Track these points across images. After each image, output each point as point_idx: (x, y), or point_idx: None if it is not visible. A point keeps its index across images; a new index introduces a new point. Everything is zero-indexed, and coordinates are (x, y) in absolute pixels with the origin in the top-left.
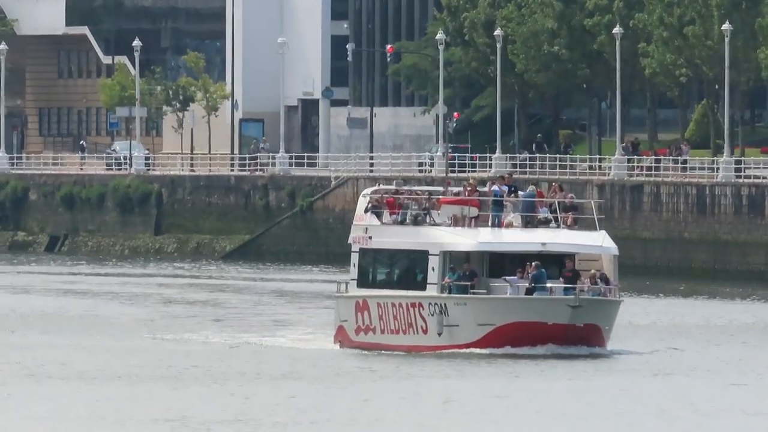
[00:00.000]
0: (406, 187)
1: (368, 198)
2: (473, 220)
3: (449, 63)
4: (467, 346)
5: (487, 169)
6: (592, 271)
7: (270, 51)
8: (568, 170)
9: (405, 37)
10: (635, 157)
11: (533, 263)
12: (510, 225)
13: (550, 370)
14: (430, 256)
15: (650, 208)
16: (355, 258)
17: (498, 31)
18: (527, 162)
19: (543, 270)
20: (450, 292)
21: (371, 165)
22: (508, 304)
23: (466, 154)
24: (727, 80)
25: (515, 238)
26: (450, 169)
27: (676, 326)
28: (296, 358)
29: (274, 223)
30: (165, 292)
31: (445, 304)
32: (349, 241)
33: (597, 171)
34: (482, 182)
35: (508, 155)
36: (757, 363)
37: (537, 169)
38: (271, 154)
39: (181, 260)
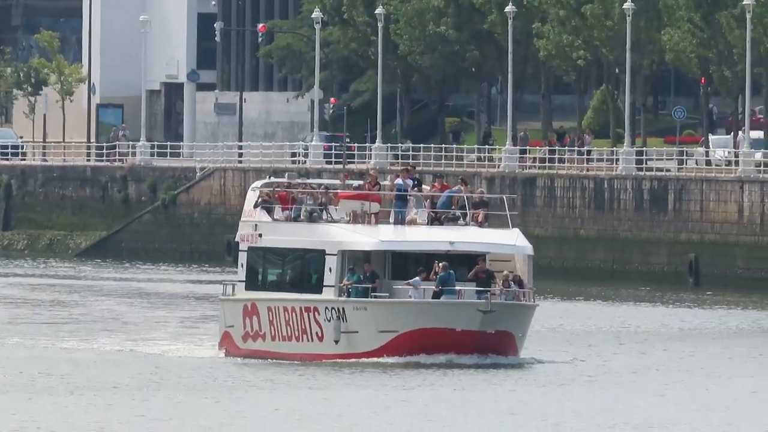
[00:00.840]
0: (300, 180)
1: (258, 192)
2: (374, 216)
3: (326, 44)
4: (367, 354)
5: (366, 160)
6: (505, 273)
7: (131, 30)
8: (454, 161)
9: (278, 15)
10: (566, 148)
11: (440, 264)
12: (414, 222)
13: (438, 380)
14: (326, 256)
15: (543, 203)
16: (242, 258)
17: (380, 9)
18: (410, 153)
19: (451, 271)
20: (348, 296)
21: (240, 155)
22: (413, 309)
23: (344, 144)
24: (629, 64)
25: (421, 236)
26: (326, 160)
27: (576, 332)
28: (165, 366)
29: (133, 218)
30: (15, 293)
31: (343, 309)
32: (236, 239)
33: (486, 162)
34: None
35: (389, 145)
36: (668, 369)
37: (421, 161)
38: (131, 142)
39: (32, 258)
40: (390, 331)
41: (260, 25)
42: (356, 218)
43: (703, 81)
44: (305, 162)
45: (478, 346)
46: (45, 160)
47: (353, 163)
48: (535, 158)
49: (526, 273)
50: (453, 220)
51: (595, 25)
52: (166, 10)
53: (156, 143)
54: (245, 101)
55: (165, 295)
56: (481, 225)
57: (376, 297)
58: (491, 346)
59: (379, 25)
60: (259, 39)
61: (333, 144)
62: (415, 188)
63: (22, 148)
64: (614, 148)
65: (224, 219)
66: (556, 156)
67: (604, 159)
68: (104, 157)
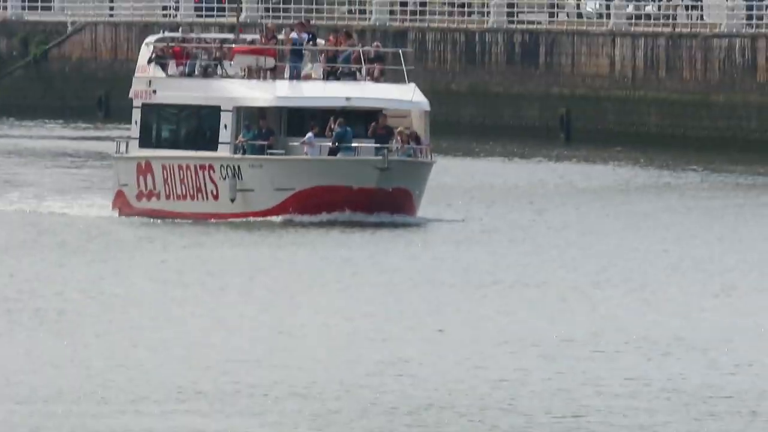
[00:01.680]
0: (194, 35)
1: (152, 47)
2: (270, 71)
3: None
4: (263, 213)
5: (238, 13)
6: (399, 129)
7: None
8: (325, 15)
9: None
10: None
11: (337, 120)
12: (309, 77)
13: (320, 239)
14: (222, 113)
15: (414, 57)
16: (136, 114)
17: None
18: (280, 6)
19: (348, 128)
20: (244, 153)
21: (111, 9)
22: (309, 167)
23: None
24: None
25: (317, 92)
26: (197, 13)
27: (455, 189)
28: (57, 226)
29: (5, 74)
30: None
31: (238, 167)
32: (129, 96)
33: (357, 15)
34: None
35: None
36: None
37: (291, 14)
38: None
39: None
40: (286, 189)
41: None
42: (251, 73)
43: None
44: (176, 16)
45: (376, 203)
46: None
47: (224, 16)
48: (405, 10)
49: (423, 129)
50: (349, 76)
51: None
52: None
53: None
54: None
55: (42, 152)
56: (377, 80)
57: (272, 154)
58: (389, 203)
59: None
60: None
61: None
62: (310, 42)
63: None
64: (485, 1)
65: (95, 74)
66: (427, 9)
67: (475, 12)
68: None
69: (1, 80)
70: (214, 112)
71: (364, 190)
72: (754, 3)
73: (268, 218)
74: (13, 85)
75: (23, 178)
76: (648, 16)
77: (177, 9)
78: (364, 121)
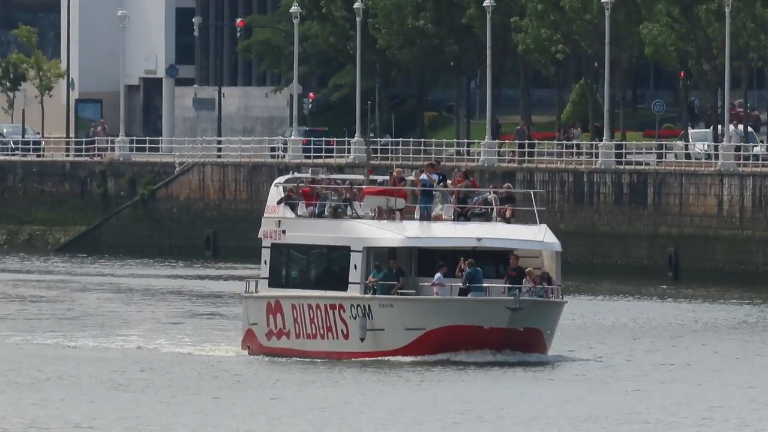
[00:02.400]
0: (323, 176)
1: (281, 188)
2: (400, 212)
3: (304, 38)
4: (394, 353)
5: (346, 154)
6: (529, 269)
7: (109, 25)
8: (433, 155)
9: (257, 10)
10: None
11: (467, 260)
12: (439, 218)
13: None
14: (351, 253)
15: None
16: (266, 254)
17: (358, 4)
18: (389, 147)
19: (478, 268)
20: (374, 293)
21: (219, 150)
22: (440, 307)
23: (323, 138)
24: (608, 57)
25: (447, 232)
26: (305, 154)
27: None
28: (193, 365)
29: (112, 213)
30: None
31: (368, 306)
32: (259, 236)
33: (465, 156)
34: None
35: (368, 139)
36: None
37: (400, 155)
38: (109, 137)
39: (11, 253)
40: (417, 328)
41: (239, 20)
42: (381, 214)
43: (682, 74)
44: (284, 156)
45: (507, 343)
46: (24, 156)
47: (332, 157)
48: (513, 151)
49: (554, 269)
50: (480, 216)
51: (573, 18)
52: (144, 4)
53: (135, 138)
54: (224, 96)
55: (162, 291)
56: (508, 221)
57: (402, 294)
58: (520, 343)
59: (358, 19)
60: (238, 34)
61: (311, 138)
62: (440, 184)
63: (38, 144)
64: (594, 142)
65: (203, 214)
66: (535, 150)
67: (583, 153)
68: (83, 152)
69: (110, 220)
70: (345, 252)
71: (495, 330)
72: None
73: (398, 357)
74: (121, 225)
75: (146, 318)
76: (756, 157)
77: (285, 150)
78: (495, 261)
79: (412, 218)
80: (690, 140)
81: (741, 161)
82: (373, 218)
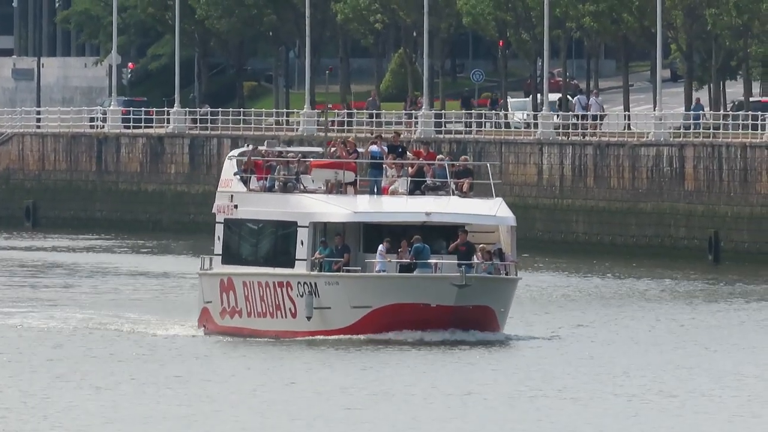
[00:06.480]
0: (278, 149)
1: (234, 161)
2: (351, 186)
3: (123, 8)
4: (341, 331)
5: (165, 124)
6: (481, 245)
7: None
8: (252, 125)
9: None
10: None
11: (414, 236)
12: (396, 192)
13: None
14: (298, 228)
15: None
16: (219, 230)
17: None
18: (208, 117)
19: (426, 244)
20: (320, 270)
21: (38, 120)
22: (386, 284)
23: (142, 108)
24: (426, 27)
25: (396, 207)
26: (125, 124)
27: None
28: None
29: None
30: None
31: (314, 284)
32: (213, 210)
33: (284, 126)
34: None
35: (187, 109)
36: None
37: (219, 125)
38: None
39: None
40: (363, 306)
41: None
42: (331, 188)
43: (501, 44)
44: (103, 127)
45: (455, 321)
46: None
47: (151, 127)
48: (334, 121)
49: (508, 244)
50: (435, 190)
51: None
52: None
53: None
54: (43, 66)
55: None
56: (465, 194)
57: (348, 271)
58: (469, 321)
59: None
60: (57, 4)
61: (131, 108)
62: (399, 157)
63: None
64: (412, 111)
65: (23, 184)
66: (354, 119)
67: (402, 122)
68: None
69: None
70: (292, 227)
71: (442, 308)
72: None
73: (346, 336)
74: None
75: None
76: (576, 126)
77: (104, 120)
78: (446, 236)
79: (366, 192)
80: (509, 109)
81: (560, 130)
82: (323, 192)
